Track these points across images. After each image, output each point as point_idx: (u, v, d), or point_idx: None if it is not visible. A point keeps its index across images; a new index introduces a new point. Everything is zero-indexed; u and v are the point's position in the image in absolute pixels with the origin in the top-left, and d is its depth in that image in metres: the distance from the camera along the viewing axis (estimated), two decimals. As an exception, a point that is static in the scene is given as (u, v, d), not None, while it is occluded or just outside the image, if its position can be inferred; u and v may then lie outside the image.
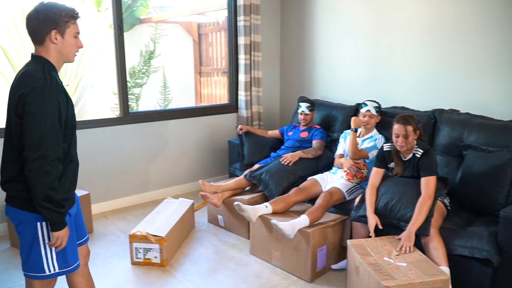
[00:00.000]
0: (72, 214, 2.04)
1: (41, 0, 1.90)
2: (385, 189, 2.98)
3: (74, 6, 1.94)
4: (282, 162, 3.73)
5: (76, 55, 1.99)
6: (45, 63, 1.88)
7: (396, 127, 2.92)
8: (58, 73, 1.95)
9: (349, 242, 2.80)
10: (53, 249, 1.93)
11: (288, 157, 3.74)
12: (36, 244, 1.91)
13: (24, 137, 1.80)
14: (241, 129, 4.27)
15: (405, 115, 2.96)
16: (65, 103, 1.88)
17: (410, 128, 2.88)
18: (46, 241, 1.91)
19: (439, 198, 2.87)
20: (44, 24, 1.84)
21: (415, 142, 2.94)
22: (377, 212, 2.90)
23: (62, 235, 1.89)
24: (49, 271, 1.94)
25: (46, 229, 1.90)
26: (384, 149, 3.10)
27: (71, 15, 1.88)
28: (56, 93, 1.83)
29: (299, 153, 3.79)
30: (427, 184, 2.81)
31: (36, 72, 1.84)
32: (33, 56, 1.93)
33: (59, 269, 1.97)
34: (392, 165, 3.08)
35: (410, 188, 2.88)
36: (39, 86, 1.79)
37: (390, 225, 2.88)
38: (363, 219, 2.95)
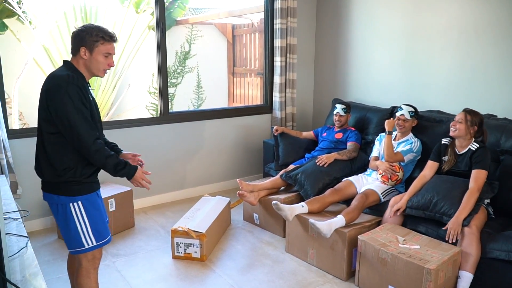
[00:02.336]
0: (99, 195, 2.32)
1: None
2: (433, 184, 3.06)
3: (111, 29, 2.25)
4: (318, 163, 3.81)
5: (106, 72, 2.26)
6: (71, 67, 2.17)
7: (458, 114, 3.10)
8: (87, 81, 2.24)
9: (360, 237, 2.90)
10: (88, 224, 2.19)
11: (324, 159, 3.83)
12: (72, 223, 2.18)
13: (62, 130, 2.09)
14: (276, 130, 4.37)
15: (474, 110, 3.12)
16: (87, 100, 2.15)
17: (468, 116, 3.04)
18: (80, 219, 2.18)
19: (484, 204, 2.92)
20: (78, 41, 2.17)
21: (473, 139, 3.07)
22: (420, 203, 2.98)
23: (138, 176, 2.30)
24: (88, 244, 2.21)
25: (78, 208, 2.18)
26: (442, 143, 3.24)
27: (101, 36, 2.16)
28: (77, 88, 2.08)
29: (334, 155, 3.87)
30: (478, 177, 2.89)
31: (62, 72, 2.13)
32: (65, 62, 2.22)
33: (96, 242, 2.24)
34: (446, 158, 3.17)
35: (458, 186, 2.94)
36: (61, 82, 2.07)
37: (432, 219, 2.96)
38: None
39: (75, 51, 2.17)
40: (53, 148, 2.13)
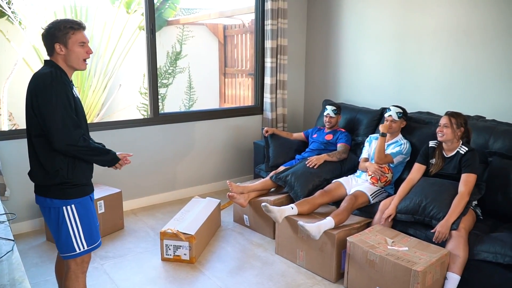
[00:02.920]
0: (93, 198, 2.31)
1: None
2: (421, 188, 3.07)
3: (78, 19, 2.26)
4: (308, 165, 3.82)
5: (86, 63, 2.24)
6: (53, 65, 2.15)
7: (442, 118, 3.11)
8: (70, 78, 2.22)
9: (349, 239, 2.91)
10: (80, 228, 2.18)
11: (314, 160, 3.83)
12: (65, 227, 2.16)
13: (46, 129, 2.05)
14: (267, 131, 4.37)
15: (456, 111, 3.13)
16: (72, 97, 2.13)
17: (453, 120, 3.05)
18: (73, 223, 2.16)
19: (471, 206, 2.94)
20: (49, 39, 2.14)
21: (460, 141, 3.08)
22: (409, 207, 2.99)
23: (119, 162, 2.31)
24: (79, 249, 2.20)
25: (71, 211, 2.16)
26: (429, 145, 3.24)
27: (70, 27, 2.14)
28: (62, 86, 2.07)
29: (324, 156, 3.88)
30: (468, 181, 2.91)
31: (45, 70, 2.12)
32: (46, 61, 2.21)
33: (87, 247, 2.22)
34: (433, 161, 3.18)
35: (446, 189, 2.95)
36: (46, 82, 2.05)
37: (421, 223, 2.97)
38: None
39: (50, 50, 2.16)
40: (43, 150, 2.12)
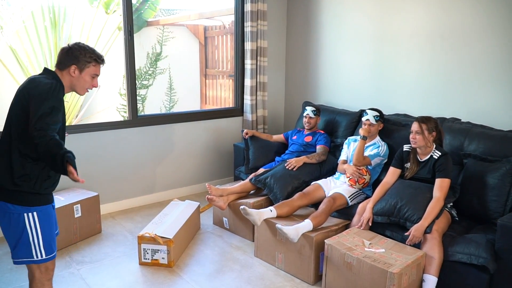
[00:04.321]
0: (54, 207, 2.27)
1: (79, 41, 2.24)
2: (397, 190, 3.09)
3: (100, 52, 2.28)
4: (287, 167, 3.82)
5: (87, 91, 2.30)
6: (56, 78, 2.17)
7: (413, 124, 3.14)
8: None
9: (327, 241, 2.92)
10: (40, 237, 2.14)
11: (293, 162, 3.84)
12: (25, 234, 2.12)
13: (30, 115, 1.98)
14: (246, 134, 4.36)
15: (426, 116, 3.17)
16: (63, 112, 2.13)
17: (424, 126, 3.07)
18: (33, 230, 2.12)
19: (447, 208, 2.98)
20: (70, 58, 2.18)
21: (434, 145, 3.12)
22: (385, 209, 3.01)
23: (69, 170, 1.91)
24: (37, 257, 2.16)
25: (32, 219, 2.12)
26: (404, 150, 3.27)
27: (94, 59, 2.21)
28: (58, 100, 2.08)
29: (303, 158, 3.89)
30: (442, 186, 2.94)
31: (47, 80, 2.12)
32: (48, 70, 2.21)
33: (46, 256, 2.18)
34: (408, 165, 3.21)
35: (421, 192, 2.98)
36: (46, 88, 2.05)
37: (397, 224, 3.00)
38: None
39: (64, 66, 2.18)
40: (18, 155, 2.06)
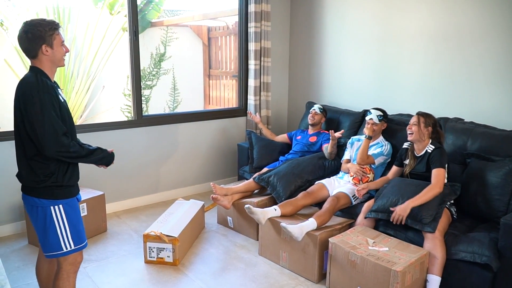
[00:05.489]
0: (79, 199, 2.35)
1: (26, 20, 2.17)
2: (398, 187, 3.12)
3: (54, 19, 2.29)
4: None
5: (64, 59, 2.28)
6: (37, 71, 2.16)
7: (412, 118, 3.23)
8: (52, 79, 2.24)
9: (331, 240, 2.95)
10: (68, 228, 2.21)
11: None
12: (52, 226, 2.19)
13: (35, 138, 2.09)
14: (250, 114, 4.67)
15: (427, 112, 3.27)
16: (57, 101, 2.16)
17: (422, 119, 3.18)
18: (61, 223, 2.20)
19: (446, 205, 3.00)
20: (34, 42, 2.13)
21: (429, 140, 3.19)
22: (386, 206, 3.04)
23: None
24: (66, 248, 2.23)
25: (59, 211, 2.20)
26: (403, 147, 3.38)
27: (54, 28, 2.16)
28: (47, 96, 2.10)
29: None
30: (436, 174, 3.01)
31: (30, 78, 2.14)
32: (30, 67, 2.22)
33: (74, 246, 2.25)
34: (407, 161, 3.30)
35: (421, 190, 3.00)
36: (33, 91, 2.08)
37: (401, 222, 3.00)
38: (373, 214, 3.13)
39: (34, 52, 2.14)
40: (34, 155, 2.14)
